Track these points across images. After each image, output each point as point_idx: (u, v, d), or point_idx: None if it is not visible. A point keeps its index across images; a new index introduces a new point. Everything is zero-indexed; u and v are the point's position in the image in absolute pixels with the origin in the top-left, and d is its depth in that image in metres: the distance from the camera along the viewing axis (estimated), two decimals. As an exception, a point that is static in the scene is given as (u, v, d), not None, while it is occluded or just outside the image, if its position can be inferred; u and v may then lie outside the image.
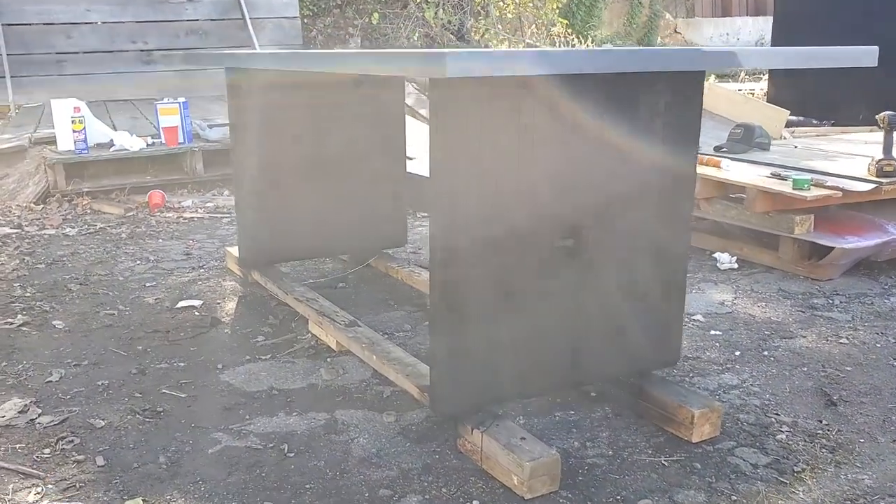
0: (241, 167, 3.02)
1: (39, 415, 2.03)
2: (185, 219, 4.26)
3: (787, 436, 1.97)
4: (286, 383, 2.24)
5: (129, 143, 4.63)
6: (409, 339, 2.57)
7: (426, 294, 2.93)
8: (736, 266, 3.41)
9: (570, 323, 1.92)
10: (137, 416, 2.03)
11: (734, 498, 1.69)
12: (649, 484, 1.74)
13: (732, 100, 6.85)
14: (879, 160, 3.34)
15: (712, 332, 2.66)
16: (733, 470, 1.80)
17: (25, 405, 2.07)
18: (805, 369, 2.39)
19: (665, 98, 1.88)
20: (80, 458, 1.82)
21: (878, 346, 2.59)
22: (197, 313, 2.83)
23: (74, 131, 4.52)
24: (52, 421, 1.99)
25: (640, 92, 1.85)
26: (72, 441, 1.89)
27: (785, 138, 6.29)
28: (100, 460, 1.81)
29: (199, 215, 4.32)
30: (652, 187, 1.95)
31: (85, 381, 2.24)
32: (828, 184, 3.25)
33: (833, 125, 8.08)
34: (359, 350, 2.32)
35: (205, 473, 1.76)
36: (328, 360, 2.40)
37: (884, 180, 3.28)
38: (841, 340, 2.62)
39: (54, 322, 2.71)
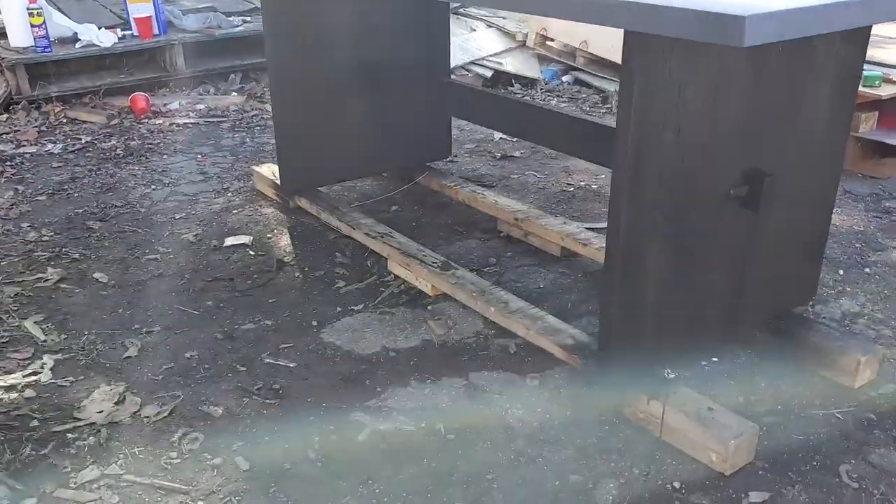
0: (279, 81, 2.67)
1: (141, 405, 1.79)
2: (178, 125, 3.84)
3: (938, 375, 1.91)
4: (398, 341, 2.05)
5: (99, 37, 4.08)
6: (503, 277, 2.38)
7: (494, 218, 2.73)
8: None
9: (737, 272, 1.78)
10: (255, 397, 1.82)
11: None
12: (835, 444, 1.66)
13: None
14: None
15: (809, 250, 2.56)
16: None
17: (120, 393, 1.83)
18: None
19: (837, 48, 1.67)
20: (217, 461, 1.62)
21: (971, 254, 2.54)
22: (252, 252, 2.56)
23: (33, 26, 3.94)
24: (160, 413, 1.77)
25: (818, 44, 1.62)
26: (196, 438, 1.68)
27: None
28: (241, 462, 1.61)
29: (192, 120, 3.91)
30: (818, 136, 1.76)
31: (170, 354, 2.00)
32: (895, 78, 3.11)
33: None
34: (468, 299, 2.13)
35: (368, 470, 1.59)
36: (429, 308, 2.21)
37: (950, 71, 3.16)
38: (934, 248, 2.57)
39: (94, 275, 2.41)
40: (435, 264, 2.28)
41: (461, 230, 2.73)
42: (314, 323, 2.14)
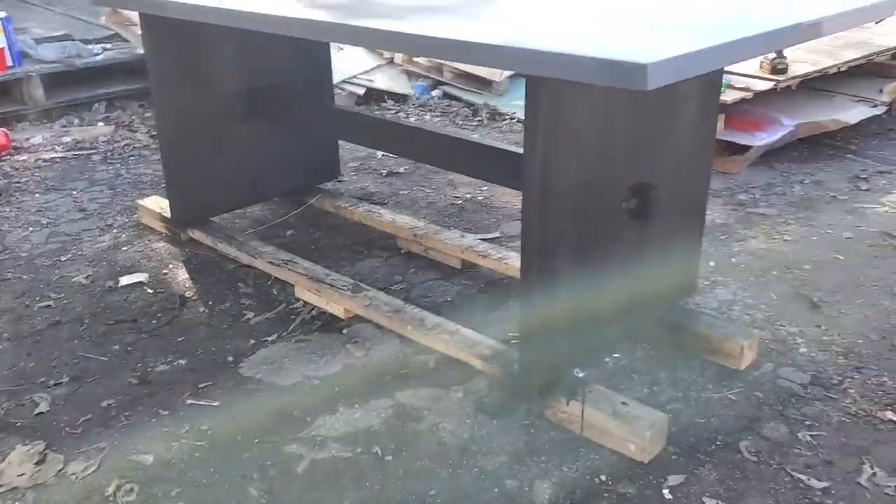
0: (164, 114, 2.64)
1: (65, 462, 1.74)
2: (45, 161, 3.67)
3: (805, 348, 2.17)
4: (319, 368, 2.09)
5: (-56, 72, 3.82)
6: (411, 294, 2.47)
7: (392, 235, 2.81)
8: (654, 165, 3.56)
9: (631, 272, 1.95)
10: (184, 441, 1.81)
11: (808, 423, 1.86)
12: (731, 423, 1.86)
13: None
14: (773, 59, 3.56)
15: (683, 245, 2.80)
16: (790, 394, 1.97)
17: (40, 453, 1.77)
18: (774, 273, 2.61)
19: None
20: (161, 510, 1.61)
21: (815, 239, 2.87)
22: (150, 290, 2.51)
23: None
24: (88, 467, 1.72)
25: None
26: (131, 489, 1.66)
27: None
28: (185, 509, 1.61)
29: (59, 154, 3.74)
30: (690, 148, 1.97)
31: (85, 405, 1.94)
32: (736, 84, 3.44)
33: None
34: (384, 320, 2.20)
35: (313, 501, 1.63)
36: (344, 332, 2.26)
37: (779, 77, 3.53)
38: (785, 238, 2.88)
39: (-17, 330, 2.29)
40: (345, 287, 2.33)
41: (362, 250, 2.79)
42: (230, 358, 2.14)
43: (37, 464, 1.72)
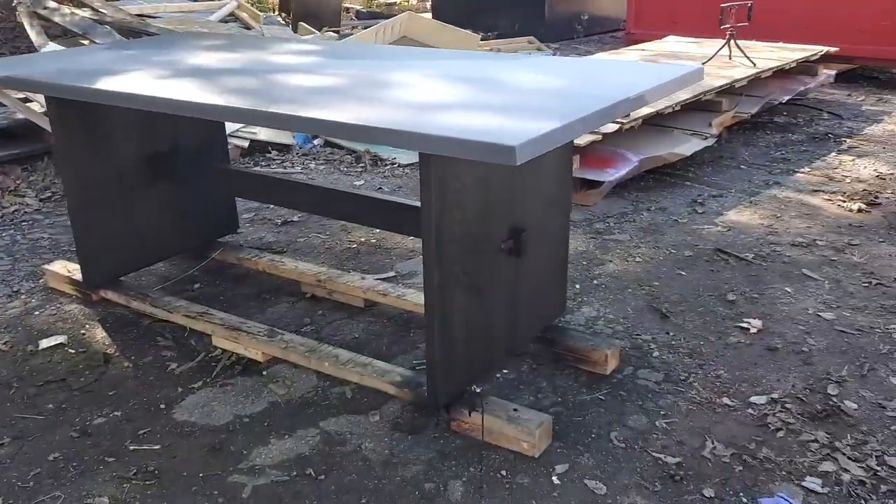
0: (71, 180, 2.81)
1: (23, 511, 1.92)
2: (-68, 233, 3.69)
3: (658, 352, 2.62)
4: (247, 408, 2.33)
5: None
6: (321, 333, 2.75)
7: (296, 282, 3.08)
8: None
9: (511, 301, 2.33)
10: (134, 482, 2.02)
11: (662, 413, 2.29)
12: (603, 418, 2.26)
13: (430, 27, 7.39)
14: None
15: (553, 272, 3.23)
16: (647, 390, 2.40)
17: (-2, 506, 1.93)
18: (630, 290, 3.07)
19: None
20: (122, 541, 1.82)
21: (661, 258, 3.38)
22: (72, 350, 2.67)
23: None
24: (47, 513, 1.91)
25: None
26: (93, 528, 1.86)
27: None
28: (145, 538, 1.83)
29: (-54, 225, 3.76)
30: (553, 193, 2.39)
31: (32, 461, 2.11)
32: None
33: (497, 36, 9.08)
34: (301, 360, 2.47)
35: (261, 518, 1.89)
36: (264, 373, 2.51)
37: (624, 120, 4.07)
38: (636, 260, 3.37)
39: None
40: (261, 333, 2.58)
41: (268, 297, 3.04)
42: (162, 406, 2.35)
43: (-3, 517, 1.88)
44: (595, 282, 3.15)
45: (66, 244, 3.55)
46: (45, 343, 2.70)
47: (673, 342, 2.68)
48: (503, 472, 2.03)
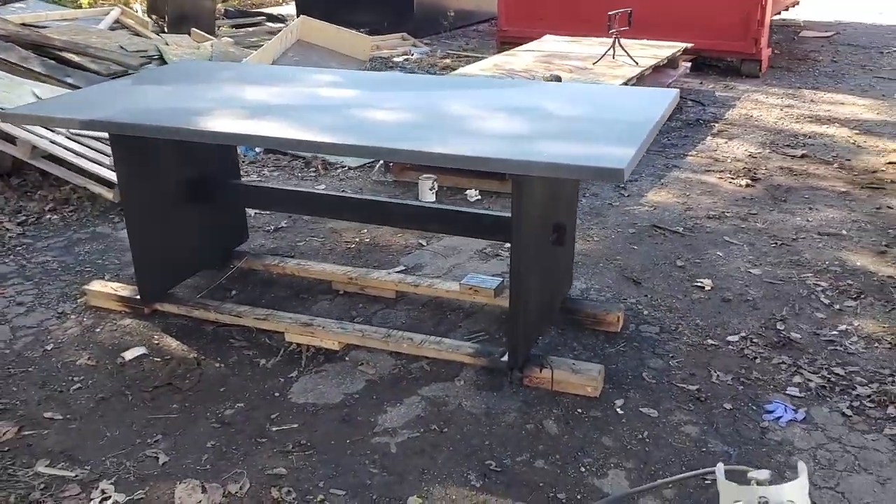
0: (131, 206, 3.10)
1: (224, 483, 2.31)
2: (-70, 264, 3.75)
3: (646, 311, 3.33)
4: (350, 387, 2.80)
5: None
6: (372, 322, 3.22)
7: (323, 281, 3.51)
8: (479, 197, 4.63)
9: (554, 280, 2.95)
10: (296, 453, 2.45)
11: (671, 355, 2.99)
12: (630, 363, 2.93)
13: (325, 31, 7.77)
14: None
15: (538, 255, 3.88)
16: (652, 340, 3.10)
17: (199, 485, 2.30)
18: (601, 265, 3.78)
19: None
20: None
21: (613, 237, 4.11)
22: (158, 359, 2.98)
23: None
24: (242, 486, 2.31)
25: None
26: (289, 490, 2.29)
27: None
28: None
29: (-59, 256, 3.82)
30: (569, 201, 3.02)
31: (194, 449, 2.47)
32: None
33: (369, 33, 9.57)
34: (380, 344, 2.95)
35: (416, 463, 2.40)
36: (346, 359, 2.97)
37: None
38: (595, 239, 4.08)
39: (53, 424, 2.64)
40: (334, 326, 3.03)
41: (305, 297, 3.46)
42: (276, 394, 2.76)
43: (203, 490, 2.26)
44: (581, 258, 3.82)
45: (76, 265, 3.75)
46: (128, 355, 2.99)
47: (653, 302, 3.41)
48: (579, 410, 2.65)
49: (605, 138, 2.42)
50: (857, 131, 6.02)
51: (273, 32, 10.24)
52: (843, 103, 6.90)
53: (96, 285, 3.39)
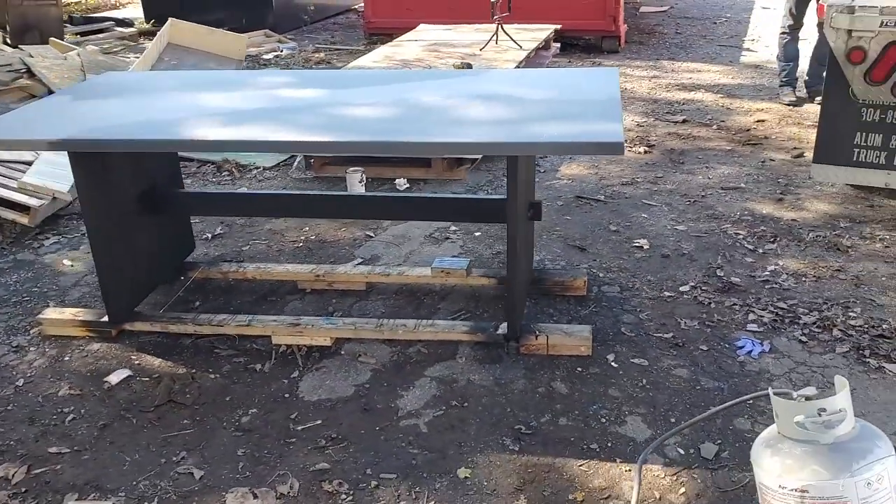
0: (95, 225, 2.99)
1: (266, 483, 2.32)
2: None
3: (602, 273, 3.60)
4: (357, 378, 2.85)
5: None
6: (352, 314, 3.28)
7: (292, 281, 3.52)
8: (408, 185, 4.75)
9: (530, 252, 3.14)
10: (332, 447, 2.49)
11: (638, 310, 3.26)
12: (607, 321, 3.17)
13: (196, 32, 7.53)
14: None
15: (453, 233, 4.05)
16: (617, 299, 3.35)
17: (249, 492, 2.30)
18: (545, 236, 4.01)
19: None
20: (368, 484, 2.34)
21: (546, 210, 4.34)
22: (146, 378, 2.90)
23: None
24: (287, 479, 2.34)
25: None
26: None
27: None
28: None
29: None
30: (531, 182, 3.22)
31: (226, 458, 2.46)
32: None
33: (231, 29, 9.37)
34: (374, 334, 3.02)
35: (450, 438, 2.51)
36: (342, 352, 3.01)
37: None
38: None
39: (62, 457, 2.52)
40: (322, 323, 3.06)
41: (273, 298, 3.45)
42: (286, 395, 2.77)
43: (255, 496, 2.27)
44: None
45: (10, 296, 3.54)
46: (114, 379, 2.89)
47: (604, 265, 3.67)
48: (579, 369, 2.86)
49: (586, 117, 2.62)
50: (721, 95, 6.63)
51: (124, 38, 9.76)
52: (700, 71, 7.54)
53: (51, 313, 3.22)
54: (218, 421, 2.65)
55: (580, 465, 2.39)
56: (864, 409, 2.55)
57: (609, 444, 2.47)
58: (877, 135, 3.63)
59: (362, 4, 12.12)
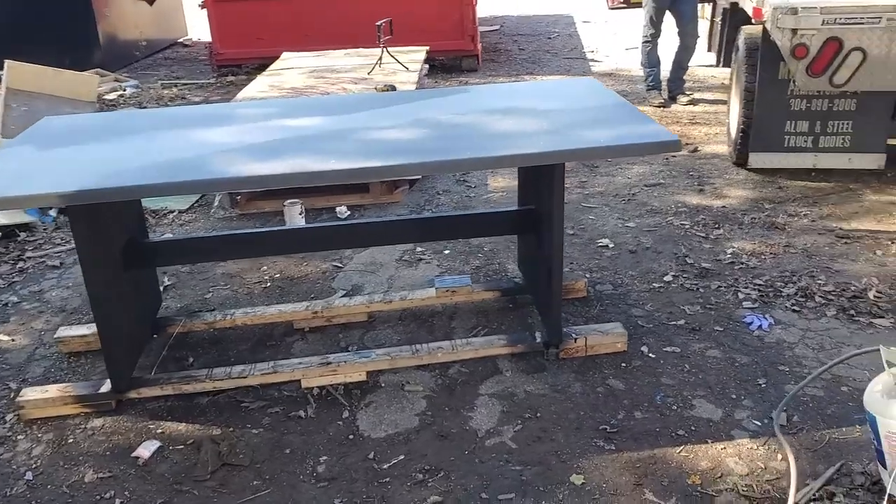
0: (95, 288, 2.68)
1: None
2: None
3: (588, 274, 3.73)
4: (415, 407, 2.75)
5: None
6: (367, 345, 3.16)
7: (287, 322, 3.34)
8: (349, 212, 4.64)
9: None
10: (431, 482, 2.40)
11: (641, 302, 3.42)
12: (623, 317, 3.29)
13: (41, 74, 6.88)
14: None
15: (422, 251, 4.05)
16: (615, 296, 3.49)
17: (368, 543, 2.15)
18: (512, 248, 4.08)
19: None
20: (490, 508, 2.27)
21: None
22: (181, 446, 2.63)
23: None
24: None
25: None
26: None
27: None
28: (500, 498, 2.31)
29: None
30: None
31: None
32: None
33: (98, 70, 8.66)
34: (411, 361, 2.93)
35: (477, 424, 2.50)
36: (381, 385, 2.90)
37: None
38: (484, 227, 4.36)
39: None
40: (355, 359, 2.93)
41: (274, 343, 3.24)
42: (350, 437, 2.61)
43: (380, 549, 2.13)
44: (485, 248, 4.07)
45: (-41, 382, 3.06)
46: (144, 453, 2.59)
47: (583, 266, 3.81)
48: (623, 364, 2.95)
49: (621, 121, 2.72)
50: (594, 102, 7.05)
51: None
52: (561, 82, 7.98)
53: (32, 393, 2.82)
54: (289, 476, 2.45)
55: (680, 452, 2.47)
56: (875, 361, 2.84)
57: (693, 428, 2.57)
58: (804, 122, 4.06)
59: (190, 38, 11.73)
